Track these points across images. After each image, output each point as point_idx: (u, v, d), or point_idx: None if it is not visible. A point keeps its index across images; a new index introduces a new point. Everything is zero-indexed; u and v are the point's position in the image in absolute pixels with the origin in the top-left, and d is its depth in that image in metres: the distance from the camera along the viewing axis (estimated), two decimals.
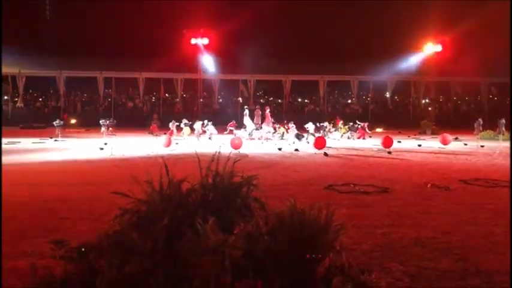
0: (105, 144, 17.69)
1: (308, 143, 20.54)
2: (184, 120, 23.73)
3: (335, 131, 24.29)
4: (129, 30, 31.36)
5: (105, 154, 15.56)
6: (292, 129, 21.26)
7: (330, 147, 18.45)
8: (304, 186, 9.84)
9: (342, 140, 23.07)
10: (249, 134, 23.28)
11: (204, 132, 23.16)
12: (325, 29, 37.19)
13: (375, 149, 18.21)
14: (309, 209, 3.94)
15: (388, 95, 40.91)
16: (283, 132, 22.18)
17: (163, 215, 3.84)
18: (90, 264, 3.60)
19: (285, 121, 23.24)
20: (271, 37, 34.77)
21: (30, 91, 39.00)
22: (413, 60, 35.29)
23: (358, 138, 24.02)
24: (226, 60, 34.28)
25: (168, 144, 17.69)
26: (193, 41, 32.65)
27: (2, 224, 6.02)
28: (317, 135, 20.56)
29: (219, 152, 4.51)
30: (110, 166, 12.99)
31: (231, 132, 24.71)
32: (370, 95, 40.19)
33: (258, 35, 34.96)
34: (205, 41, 32.70)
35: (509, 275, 4.71)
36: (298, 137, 21.32)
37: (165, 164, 4.29)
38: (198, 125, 23.10)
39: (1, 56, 26.80)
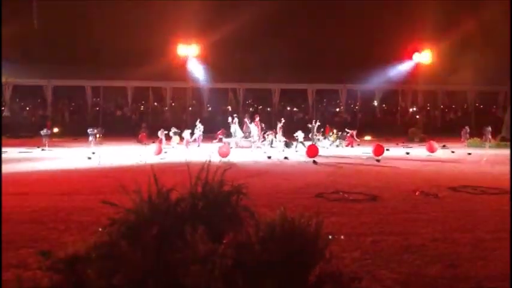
0: (93, 153, 17.54)
1: (297, 151, 20.58)
2: (174, 129, 23.70)
3: (324, 139, 24.40)
4: (117, 38, 31.20)
5: (93, 163, 15.43)
6: (280, 133, 21.35)
7: (320, 155, 18.51)
8: (294, 194, 9.84)
9: (330, 148, 23.16)
10: (237, 142, 23.29)
11: (194, 140, 23.13)
12: (314, 37, 37.42)
13: (364, 157, 18.31)
14: (299, 218, 3.94)
15: (376, 103, 41.30)
16: (272, 140, 22.23)
17: (153, 224, 3.81)
18: (78, 275, 3.54)
19: (274, 130, 23.31)
20: (259, 46, 34.88)
21: (17, 100, 38.64)
22: (401, 69, 35.71)
23: (347, 146, 24.15)
24: (215, 69, 34.36)
25: (159, 152, 17.63)
26: (182, 49, 32.71)
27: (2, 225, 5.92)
28: (307, 143, 20.64)
29: (209, 161, 4.50)
30: (98, 176, 12.88)
31: (220, 140, 24.70)
32: (358, 104, 40.53)
33: (247, 44, 35.09)
34: (195, 49, 32.78)
35: (509, 275, 4.74)
36: (287, 145, 21.40)
37: (154, 173, 4.27)
38: (186, 133, 23.06)
39: (1, 61, 26.57)
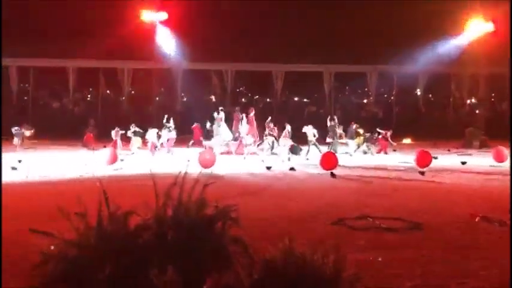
0: (20, 161, 17.46)
1: (308, 159, 20.58)
2: (133, 127, 23.65)
3: (350, 139, 24.23)
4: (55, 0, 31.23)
5: (20, 176, 15.35)
6: (286, 137, 21.30)
7: (340, 165, 18.50)
8: (304, 220, 9.82)
9: (355, 155, 23.17)
10: (224, 146, 23.27)
11: (162, 144, 23.11)
12: (329, 8, 37.49)
13: (403, 168, 18.32)
14: (310, 253, 3.93)
15: (419, 92, 41.41)
16: (273, 142, 22.17)
17: (103, 262, 3.78)
18: None
19: (270, 127, 23.26)
20: (257, 12, 34.94)
21: None
22: (454, 45, 35.74)
23: (379, 152, 24.19)
24: (193, 43, 34.32)
25: (112, 160, 17.57)
26: (146, 15, 32.65)
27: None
28: (323, 148, 20.67)
29: (185, 173, 4.48)
30: (26, 193, 12.80)
31: (198, 143, 24.70)
32: (393, 93, 40.64)
33: (239, 9, 35.10)
34: (164, 15, 32.73)
35: (509, 275, 4.74)
36: (295, 150, 21.40)
37: (105, 189, 4.25)
38: (152, 133, 22.98)
39: (1, 56, 26.76)
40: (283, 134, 22.21)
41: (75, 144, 25.44)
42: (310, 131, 21.90)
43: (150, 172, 5.37)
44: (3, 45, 29.35)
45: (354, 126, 24.96)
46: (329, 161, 17.27)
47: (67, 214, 4.19)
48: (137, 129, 23.61)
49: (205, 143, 24.37)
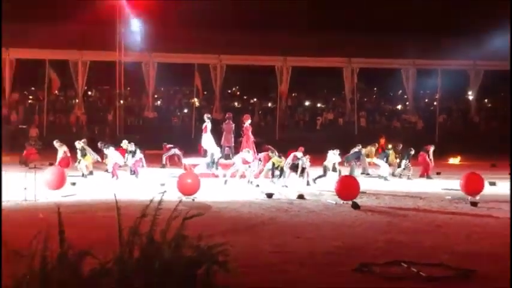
0: None
1: (307, 183, 20.61)
2: (81, 143, 23.41)
3: (384, 159, 24.11)
4: None
5: None
6: (305, 160, 21.22)
7: (365, 192, 18.51)
8: (316, 266, 9.83)
9: (391, 179, 23.17)
10: (210, 165, 23.23)
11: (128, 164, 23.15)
12: None
13: (448, 197, 18.33)
14: None
15: (471, 96, 41.53)
16: (279, 165, 22.02)
17: None
18: None
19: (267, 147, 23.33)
20: None
21: None
22: None
23: (421, 175, 24.09)
24: (168, 30, 34.46)
25: (60, 184, 17.52)
26: None
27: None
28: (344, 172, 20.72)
29: (158, 202, 4.51)
30: None
31: (173, 161, 24.73)
32: (437, 96, 40.70)
33: None
34: None
35: (509, 275, 4.76)
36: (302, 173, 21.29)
37: (49, 222, 4.27)
38: (113, 152, 22.89)
39: (1, 53, 26.81)
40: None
41: (13, 160, 25.39)
42: (333, 156, 21.76)
43: (114, 199, 5.37)
44: None
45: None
46: (348, 187, 17.21)
47: (4, 254, 4.22)
48: (85, 146, 23.34)
49: (184, 161, 24.35)
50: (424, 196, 18.90)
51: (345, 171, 22.18)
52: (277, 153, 21.91)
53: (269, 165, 21.85)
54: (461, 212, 15.93)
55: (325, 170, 21.48)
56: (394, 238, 12.29)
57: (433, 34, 35.08)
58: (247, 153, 22.05)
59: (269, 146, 23.65)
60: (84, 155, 22.94)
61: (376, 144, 25.92)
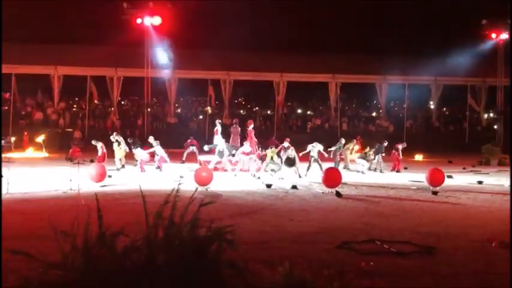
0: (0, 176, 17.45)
1: (299, 176, 20.53)
2: (116, 136, 23.28)
3: (364, 158, 23.99)
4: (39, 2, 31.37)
5: None
6: (290, 150, 21.14)
7: (346, 183, 18.48)
8: (306, 243, 9.82)
9: (367, 173, 23.11)
10: (221, 157, 23.14)
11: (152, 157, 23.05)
12: (336, 4, 37.70)
13: (414, 187, 18.30)
14: (312, 279, 3.94)
15: (432, 105, 41.48)
16: (273, 156, 21.89)
17: (88, 286, 3.79)
18: None
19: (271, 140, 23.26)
20: (256, 18, 35.14)
21: None
22: (471, 54, 35.72)
23: (393, 169, 24.04)
24: (187, 51, 34.46)
25: (101, 177, 17.43)
26: (139, 20, 32.78)
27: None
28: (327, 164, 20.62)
29: (177, 190, 4.50)
30: (6, 211, 12.79)
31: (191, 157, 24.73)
32: (405, 105, 40.68)
33: (237, 13, 35.30)
34: (157, 20, 32.86)
35: (509, 275, 4.73)
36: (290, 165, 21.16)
37: (93, 208, 4.27)
38: (139, 151, 22.79)
39: (1, 56, 27.42)
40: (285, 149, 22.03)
41: (60, 158, 25.38)
42: (314, 148, 21.74)
43: (140, 190, 5.36)
44: None
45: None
46: (332, 177, 17.32)
47: (50, 234, 4.20)
48: (118, 138, 23.29)
49: (200, 158, 24.34)
50: (394, 187, 18.87)
51: (328, 164, 22.00)
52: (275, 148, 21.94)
53: (268, 160, 21.82)
54: (425, 200, 15.91)
55: (310, 160, 21.52)
56: (370, 221, 12.27)
57: (402, 55, 35.05)
58: (245, 146, 22.16)
59: (274, 140, 23.62)
60: (118, 144, 22.94)
61: (354, 141, 26.08)
